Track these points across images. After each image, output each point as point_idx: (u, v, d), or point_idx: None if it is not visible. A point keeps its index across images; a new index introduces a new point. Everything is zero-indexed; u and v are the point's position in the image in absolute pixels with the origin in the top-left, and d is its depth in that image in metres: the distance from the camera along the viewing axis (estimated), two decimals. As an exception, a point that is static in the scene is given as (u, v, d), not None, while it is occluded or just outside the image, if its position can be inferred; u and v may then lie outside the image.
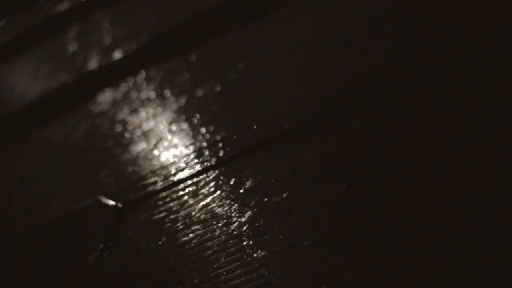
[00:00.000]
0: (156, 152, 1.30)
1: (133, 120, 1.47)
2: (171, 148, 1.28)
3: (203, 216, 1.01)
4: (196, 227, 0.99)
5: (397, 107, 0.98)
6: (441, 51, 1.02)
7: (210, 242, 0.94)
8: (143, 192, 1.16)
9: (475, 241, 0.71)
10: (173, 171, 1.17)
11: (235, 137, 1.15)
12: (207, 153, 1.16)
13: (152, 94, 1.53)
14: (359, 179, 0.89)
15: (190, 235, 0.98)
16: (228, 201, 1.00)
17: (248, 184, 1.02)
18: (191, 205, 1.05)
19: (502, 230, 0.71)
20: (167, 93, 1.49)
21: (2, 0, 2.40)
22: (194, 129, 1.29)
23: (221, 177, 1.07)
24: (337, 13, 1.36)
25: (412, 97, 0.98)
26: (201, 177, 1.11)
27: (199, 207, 1.03)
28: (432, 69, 1.00)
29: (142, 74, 1.65)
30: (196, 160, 1.15)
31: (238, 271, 0.86)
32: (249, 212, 0.95)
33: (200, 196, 1.06)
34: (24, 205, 1.41)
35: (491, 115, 0.86)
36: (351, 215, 0.84)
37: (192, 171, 1.13)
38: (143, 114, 1.47)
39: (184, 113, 1.37)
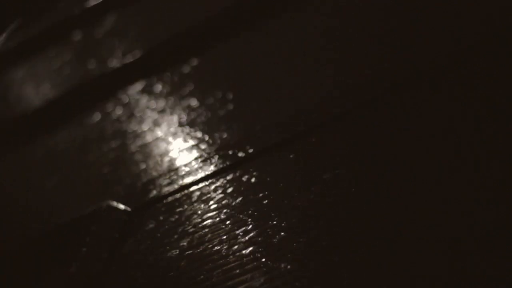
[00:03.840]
0: (165, 156, 1.30)
1: (142, 124, 1.48)
2: (181, 152, 1.28)
3: (212, 219, 1.01)
4: (206, 230, 0.99)
5: (397, 108, 0.98)
6: (441, 51, 1.02)
7: (220, 246, 0.94)
8: (152, 195, 1.16)
9: (475, 241, 0.71)
10: (182, 175, 1.17)
11: (242, 141, 1.15)
12: (215, 157, 1.16)
13: (160, 99, 1.54)
14: (360, 180, 0.89)
15: (200, 239, 0.98)
16: (238, 205, 1.01)
17: (256, 187, 1.02)
18: (201, 209, 1.05)
19: (502, 230, 0.70)
20: (175, 97, 1.50)
21: (8, 7, 2.43)
22: (203, 133, 1.29)
23: (230, 181, 1.08)
24: (338, 14, 1.36)
25: (412, 97, 0.98)
26: (210, 180, 1.11)
27: (209, 211, 1.03)
28: (432, 69, 1.00)
29: (149, 79, 1.66)
30: (205, 164, 1.16)
31: (247, 275, 0.86)
32: (258, 215, 0.95)
33: (210, 200, 1.06)
34: (33, 209, 1.42)
35: (491, 115, 0.85)
36: (351, 215, 0.84)
37: (201, 174, 1.13)
38: (151, 118, 1.48)
39: (192, 118, 1.37)
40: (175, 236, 1.02)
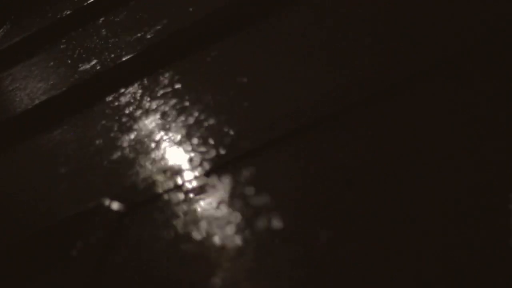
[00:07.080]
0: (159, 155, 1.30)
1: (136, 123, 1.48)
2: (175, 151, 1.28)
3: (206, 219, 1.01)
4: (200, 230, 0.99)
5: (395, 109, 0.98)
6: (436, 55, 1.02)
7: (215, 245, 0.94)
8: (146, 195, 1.16)
9: (474, 241, 0.71)
10: (176, 174, 1.17)
11: (237, 140, 1.16)
12: (210, 155, 1.16)
13: (155, 98, 1.54)
14: (358, 181, 0.89)
15: (194, 239, 0.98)
16: (231, 204, 1.01)
17: (250, 186, 1.02)
18: (194, 208, 1.05)
19: (503, 230, 0.70)
20: (170, 96, 1.50)
21: (4, 6, 2.42)
22: (197, 132, 1.29)
23: (225, 180, 1.08)
24: (338, 14, 1.36)
25: (410, 99, 0.98)
26: (204, 179, 1.11)
27: (203, 210, 1.03)
28: (428, 72, 1.00)
29: (145, 78, 1.66)
30: (199, 163, 1.16)
31: (242, 275, 0.86)
32: (251, 214, 0.95)
33: (204, 199, 1.06)
34: (27, 208, 1.42)
35: (492, 116, 0.86)
36: (350, 216, 0.84)
37: (195, 173, 1.13)
38: (146, 117, 1.48)
39: (187, 116, 1.37)
40: (169, 235, 1.02)
